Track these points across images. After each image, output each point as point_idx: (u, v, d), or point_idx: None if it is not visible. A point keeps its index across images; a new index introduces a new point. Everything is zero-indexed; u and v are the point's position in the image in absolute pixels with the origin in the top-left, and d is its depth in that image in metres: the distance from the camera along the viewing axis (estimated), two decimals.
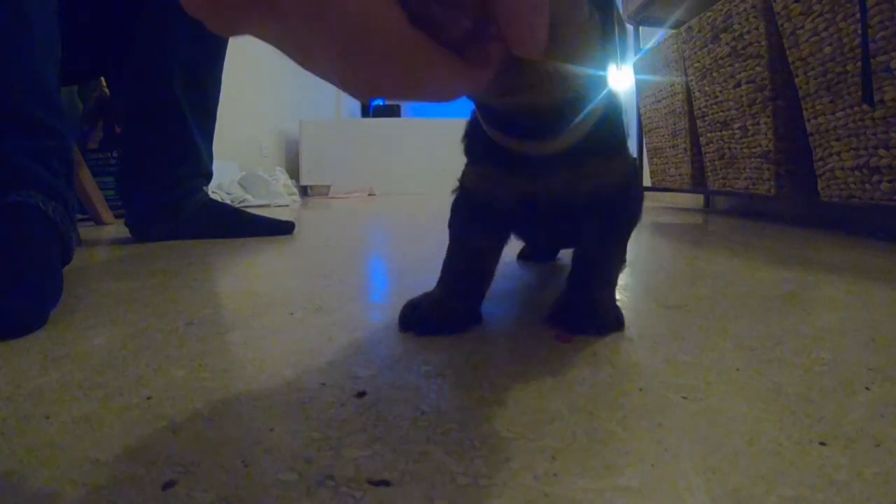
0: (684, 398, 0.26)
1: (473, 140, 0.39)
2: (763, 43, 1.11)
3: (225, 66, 1.08)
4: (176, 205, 0.93)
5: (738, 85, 1.23)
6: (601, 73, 0.31)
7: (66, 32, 1.01)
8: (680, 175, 1.65)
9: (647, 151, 1.88)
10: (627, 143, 0.41)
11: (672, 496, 0.18)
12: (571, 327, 0.37)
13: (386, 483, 0.19)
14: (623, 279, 0.58)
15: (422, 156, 3.11)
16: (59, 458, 0.21)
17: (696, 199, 2.07)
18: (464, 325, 0.38)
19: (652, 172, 1.87)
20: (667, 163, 1.74)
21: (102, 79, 1.42)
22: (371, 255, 0.76)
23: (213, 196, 1.88)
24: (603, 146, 0.36)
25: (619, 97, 0.38)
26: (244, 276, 0.60)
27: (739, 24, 1.19)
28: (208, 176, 1.02)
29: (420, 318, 0.38)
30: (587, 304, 0.38)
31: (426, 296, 0.40)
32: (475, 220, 0.40)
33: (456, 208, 0.41)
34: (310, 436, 0.23)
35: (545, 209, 0.38)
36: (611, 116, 0.36)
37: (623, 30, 0.34)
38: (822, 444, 0.22)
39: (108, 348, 0.34)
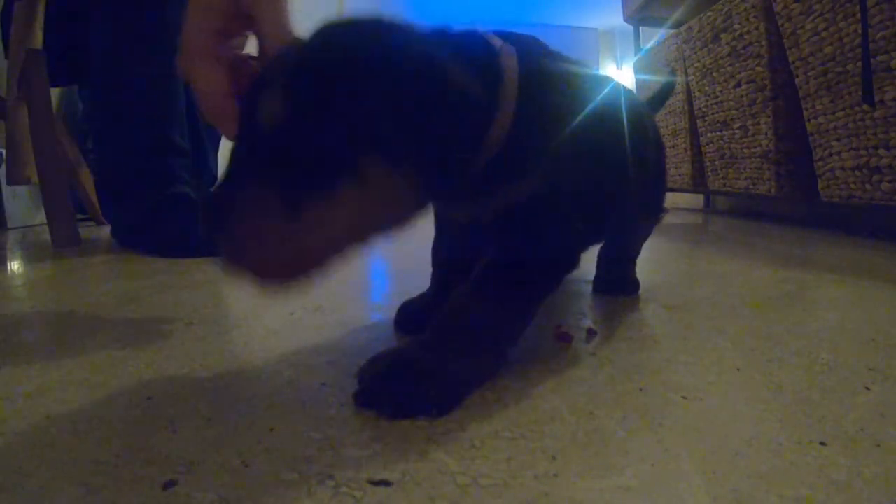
0: (684, 398, 0.26)
1: None
2: (763, 43, 1.11)
3: None
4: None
5: (738, 85, 1.23)
6: None
7: (67, 33, 1.01)
8: (680, 175, 1.65)
9: None
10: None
11: (672, 496, 0.18)
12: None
13: (386, 483, 0.19)
14: None
15: None
16: (59, 458, 0.21)
17: (696, 199, 2.07)
18: None
19: None
20: (667, 163, 1.74)
21: None
22: (371, 255, 0.76)
23: None
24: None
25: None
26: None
27: (739, 24, 1.19)
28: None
29: (411, 318, 0.38)
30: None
31: (421, 296, 0.39)
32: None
33: None
34: (310, 436, 0.23)
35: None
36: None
37: None
38: (822, 444, 0.22)
39: (108, 348, 0.34)
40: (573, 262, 0.32)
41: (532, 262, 0.30)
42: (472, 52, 0.28)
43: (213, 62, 0.33)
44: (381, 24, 0.27)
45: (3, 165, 1.04)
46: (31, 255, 0.79)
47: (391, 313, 0.40)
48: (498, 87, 0.28)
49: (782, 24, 1.04)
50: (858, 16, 0.82)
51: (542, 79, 0.30)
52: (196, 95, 0.33)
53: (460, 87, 0.25)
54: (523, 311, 0.30)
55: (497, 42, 0.29)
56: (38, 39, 0.87)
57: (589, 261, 0.65)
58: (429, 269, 0.40)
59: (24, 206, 1.22)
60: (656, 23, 1.87)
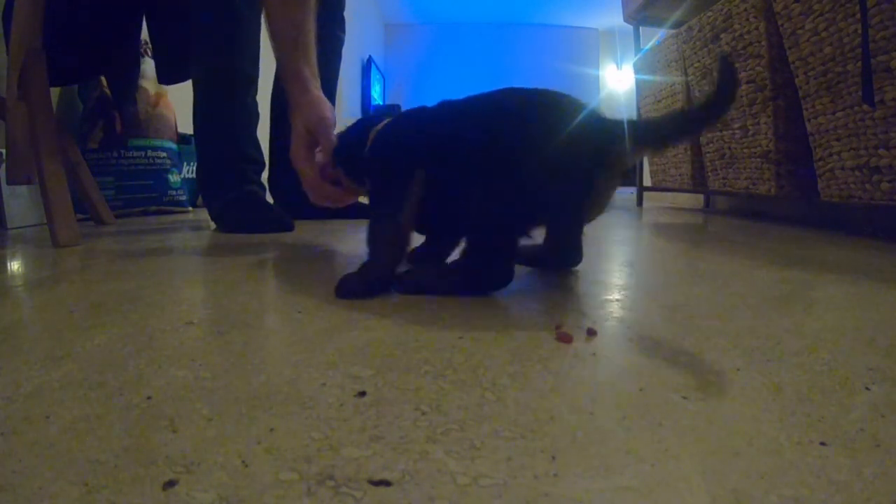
0: (684, 398, 0.26)
1: None
2: (763, 43, 1.12)
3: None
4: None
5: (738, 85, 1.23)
6: None
7: (66, 33, 1.02)
8: (680, 175, 1.65)
9: None
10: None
11: (672, 496, 0.18)
12: None
13: (386, 483, 0.19)
14: (623, 279, 0.58)
15: None
16: (59, 458, 0.21)
17: (696, 199, 2.07)
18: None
19: (652, 172, 1.87)
20: (667, 163, 1.74)
21: (102, 79, 1.42)
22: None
23: None
24: None
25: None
26: (245, 275, 0.60)
27: (739, 24, 1.19)
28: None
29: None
30: None
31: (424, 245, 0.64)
32: None
33: None
34: (310, 436, 0.23)
35: None
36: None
37: None
38: (822, 444, 0.22)
39: (108, 348, 0.34)
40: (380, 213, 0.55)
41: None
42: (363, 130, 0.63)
43: (308, 162, 0.71)
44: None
45: (3, 165, 1.04)
46: (31, 255, 0.79)
47: (392, 312, 0.40)
48: (368, 137, 0.60)
49: (782, 24, 1.04)
50: (858, 16, 0.83)
51: (386, 128, 0.59)
52: (303, 183, 0.72)
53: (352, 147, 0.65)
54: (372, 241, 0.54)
55: (387, 119, 0.62)
56: (38, 39, 0.87)
57: (589, 264, 0.65)
58: None
59: (24, 206, 1.22)
60: (656, 23, 1.87)
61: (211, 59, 1.08)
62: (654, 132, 0.46)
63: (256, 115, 1.17)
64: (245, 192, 1.12)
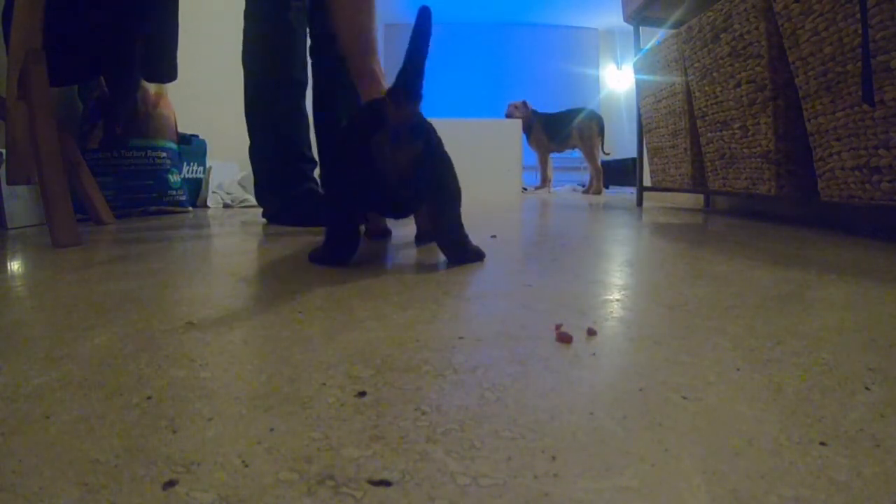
0: (684, 398, 0.26)
1: None
2: (763, 43, 1.11)
3: (226, 65, 1.24)
4: None
5: (738, 85, 1.23)
6: None
7: (66, 34, 1.02)
8: (680, 175, 1.65)
9: (648, 151, 1.88)
10: None
11: (672, 496, 0.18)
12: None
13: (386, 483, 0.19)
14: (623, 279, 0.58)
15: None
16: (59, 458, 0.21)
17: (696, 199, 2.07)
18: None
19: (652, 172, 1.87)
20: (667, 163, 1.74)
21: (102, 79, 1.42)
22: (371, 254, 0.76)
23: (212, 196, 1.88)
24: None
25: None
26: (245, 276, 0.60)
27: (739, 24, 1.19)
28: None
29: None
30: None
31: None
32: None
33: None
34: (310, 436, 0.23)
35: None
36: None
37: None
38: (822, 444, 0.22)
39: (108, 348, 0.34)
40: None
41: None
42: None
43: None
44: None
45: (3, 165, 1.04)
46: (31, 255, 0.79)
47: (392, 312, 0.40)
48: None
49: (782, 24, 1.04)
50: (858, 16, 0.83)
51: None
52: None
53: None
54: None
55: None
56: (38, 39, 0.87)
57: (589, 264, 0.64)
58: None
59: (24, 206, 1.22)
60: (656, 23, 1.87)
61: (267, 67, 1.20)
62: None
63: (307, 118, 1.28)
64: (306, 189, 1.24)
